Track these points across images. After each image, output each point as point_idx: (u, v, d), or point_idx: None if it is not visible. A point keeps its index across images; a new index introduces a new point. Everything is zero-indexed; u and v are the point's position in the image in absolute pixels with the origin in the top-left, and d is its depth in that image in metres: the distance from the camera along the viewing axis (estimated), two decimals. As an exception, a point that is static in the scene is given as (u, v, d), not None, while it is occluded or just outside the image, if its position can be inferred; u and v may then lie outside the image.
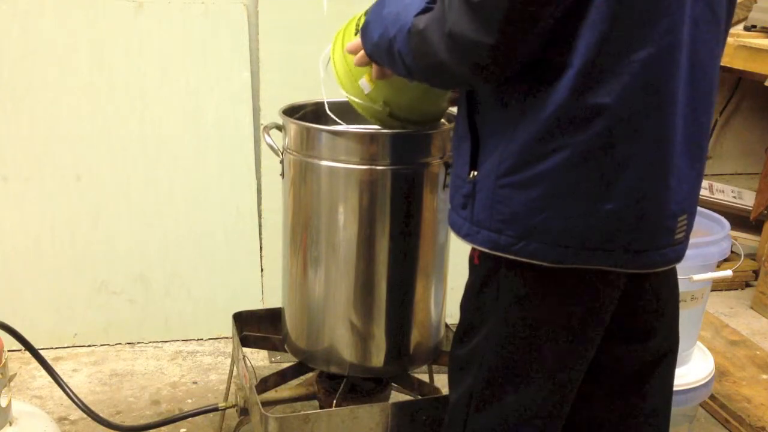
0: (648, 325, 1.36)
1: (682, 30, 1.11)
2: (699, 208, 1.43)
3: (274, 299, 2.31)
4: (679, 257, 1.25)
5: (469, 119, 1.25)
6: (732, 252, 2.37)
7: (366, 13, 1.38)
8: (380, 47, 1.28)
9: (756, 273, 3.28)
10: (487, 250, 1.22)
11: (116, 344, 2.61)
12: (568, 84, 1.09)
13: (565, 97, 1.10)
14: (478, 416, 1.32)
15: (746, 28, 3.07)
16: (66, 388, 1.90)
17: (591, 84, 1.09)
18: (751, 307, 3.14)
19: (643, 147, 1.13)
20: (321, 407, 1.88)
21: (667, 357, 1.40)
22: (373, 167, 1.61)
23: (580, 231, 1.15)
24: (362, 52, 1.38)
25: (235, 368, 1.98)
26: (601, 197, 1.14)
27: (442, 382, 2.10)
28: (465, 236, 1.25)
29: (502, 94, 1.17)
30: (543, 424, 1.30)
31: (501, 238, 1.19)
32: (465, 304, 1.34)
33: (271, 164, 2.44)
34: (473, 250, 1.28)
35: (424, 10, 1.18)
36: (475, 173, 1.22)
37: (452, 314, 1.96)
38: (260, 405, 1.65)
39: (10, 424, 1.64)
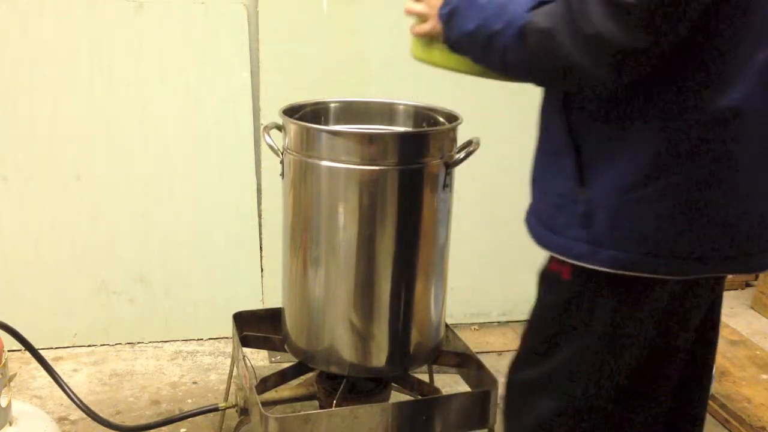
0: (714, 334, 1.37)
1: None
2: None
3: (274, 299, 2.31)
4: None
5: (569, 131, 1.17)
6: (732, 252, 2.37)
7: None
8: (475, 39, 1.17)
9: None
10: (606, 269, 1.15)
11: (116, 344, 2.61)
12: (701, 86, 1.05)
13: (699, 102, 1.05)
14: None
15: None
16: (66, 388, 1.90)
17: (723, 85, 1.05)
18: (751, 307, 3.14)
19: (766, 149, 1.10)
20: (321, 407, 1.88)
21: (712, 365, 1.40)
22: (373, 167, 1.61)
23: (711, 241, 1.12)
24: (429, 25, 1.29)
25: (235, 368, 1.98)
26: (731, 204, 1.11)
27: (442, 382, 2.10)
28: (578, 257, 1.17)
29: (619, 101, 1.10)
30: None
31: (627, 256, 1.13)
32: (541, 323, 1.28)
33: (271, 164, 2.44)
34: (560, 264, 1.21)
35: (540, 4, 1.09)
36: (587, 189, 1.15)
37: (452, 314, 1.96)
38: (260, 405, 1.65)
39: (10, 424, 1.64)
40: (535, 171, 1.29)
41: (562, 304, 1.23)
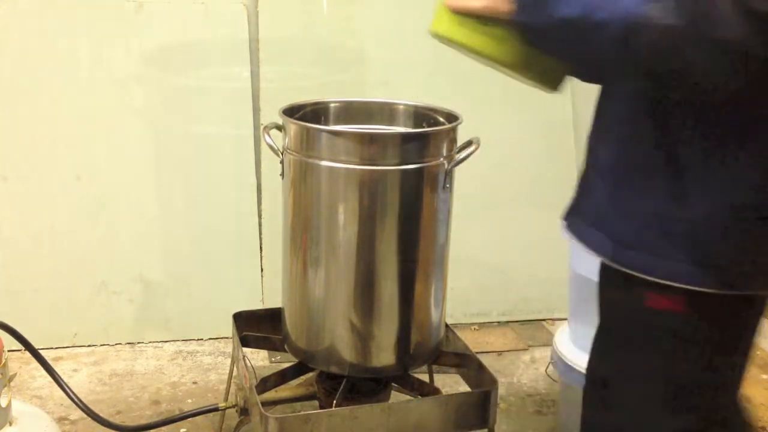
0: None
1: None
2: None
3: (274, 299, 2.31)
4: None
5: (663, 143, 1.09)
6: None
7: None
8: (575, 27, 1.02)
9: (756, 273, 3.27)
10: (723, 292, 1.09)
11: (116, 344, 2.61)
12: None
13: None
14: None
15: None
16: (66, 388, 1.90)
17: None
18: (751, 307, 3.13)
19: None
20: (321, 407, 1.88)
21: None
22: (373, 167, 1.61)
23: None
24: (485, 2, 1.12)
25: (235, 368, 1.98)
26: None
27: (441, 382, 2.10)
28: (679, 280, 1.10)
29: (730, 112, 1.04)
30: None
31: (741, 275, 1.09)
32: (653, 379, 1.19)
33: (271, 164, 2.44)
34: (665, 298, 1.13)
35: None
36: (689, 208, 1.08)
37: (452, 314, 1.96)
38: (260, 405, 1.65)
39: (10, 424, 1.64)
40: (604, 185, 1.18)
41: (681, 345, 1.15)
